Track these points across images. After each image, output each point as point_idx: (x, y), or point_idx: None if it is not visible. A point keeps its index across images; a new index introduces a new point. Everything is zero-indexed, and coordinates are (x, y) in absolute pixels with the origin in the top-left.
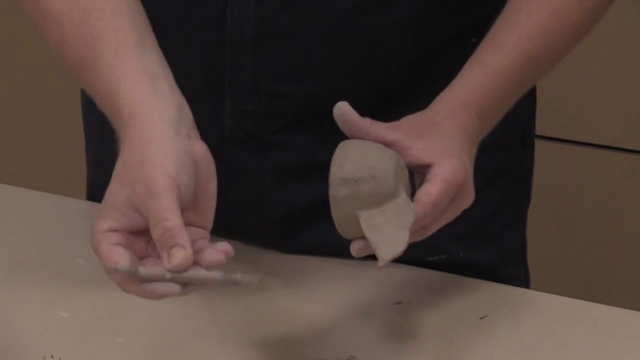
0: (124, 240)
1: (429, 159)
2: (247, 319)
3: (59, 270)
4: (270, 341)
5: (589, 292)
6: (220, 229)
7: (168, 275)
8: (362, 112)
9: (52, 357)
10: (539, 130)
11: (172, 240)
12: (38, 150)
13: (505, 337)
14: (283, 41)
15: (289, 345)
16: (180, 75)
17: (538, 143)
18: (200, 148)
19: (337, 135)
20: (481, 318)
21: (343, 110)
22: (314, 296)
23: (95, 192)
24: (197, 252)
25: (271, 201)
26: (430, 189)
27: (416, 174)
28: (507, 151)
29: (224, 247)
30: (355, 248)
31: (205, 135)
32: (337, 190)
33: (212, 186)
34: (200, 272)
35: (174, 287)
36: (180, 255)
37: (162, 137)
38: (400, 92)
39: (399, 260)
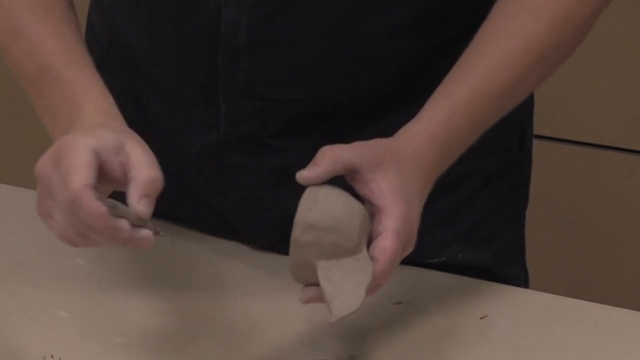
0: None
1: (383, 202)
2: (247, 319)
3: (59, 270)
4: (270, 341)
5: (589, 292)
6: (220, 231)
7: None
8: (360, 113)
9: (52, 357)
10: (537, 130)
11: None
12: (38, 150)
13: (505, 337)
14: (277, 46)
15: (289, 345)
16: (176, 79)
17: (537, 143)
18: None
19: (333, 138)
20: (481, 318)
21: (305, 176)
22: None
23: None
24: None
25: (269, 204)
26: (386, 245)
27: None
28: (504, 153)
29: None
30: (305, 296)
31: (201, 139)
32: (301, 234)
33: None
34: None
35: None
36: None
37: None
38: (398, 93)
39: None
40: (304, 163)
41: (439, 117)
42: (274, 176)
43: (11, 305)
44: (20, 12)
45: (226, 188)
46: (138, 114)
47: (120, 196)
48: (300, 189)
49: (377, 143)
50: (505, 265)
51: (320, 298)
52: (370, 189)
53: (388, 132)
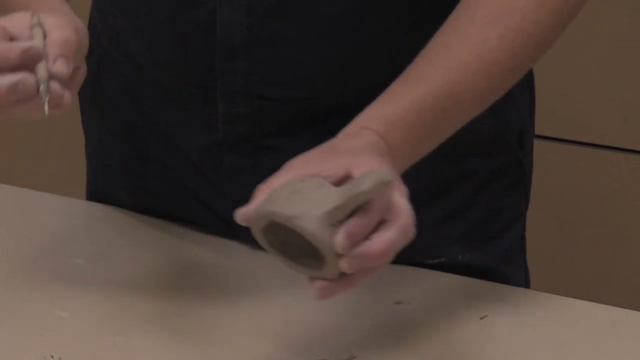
0: None
1: (342, 170)
2: (246, 319)
3: (59, 270)
4: (270, 341)
5: (589, 292)
6: (220, 231)
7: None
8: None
9: (52, 357)
10: (538, 130)
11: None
12: (38, 150)
13: (505, 337)
14: (274, 46)
15: (289, 345)
16: (174, 79)
17: (537, 143)
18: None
19: (329, 137)
20: (481, 318)
21: (240, 214)
22: None
23: (95, 192)
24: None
25: None
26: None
27: None
28: (503, 152)
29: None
30: (316, 287)
31: (200, 139)
32: (289, 209)
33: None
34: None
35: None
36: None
37: None
38: None
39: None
40: None
41: (372, 113)
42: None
43: (11, 305)
44: None
45: (225, 189)
46: (138, 115)
47: None
48: None
49: (306, 152)
50: (506, 265)
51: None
52: (327, 175)
53: None
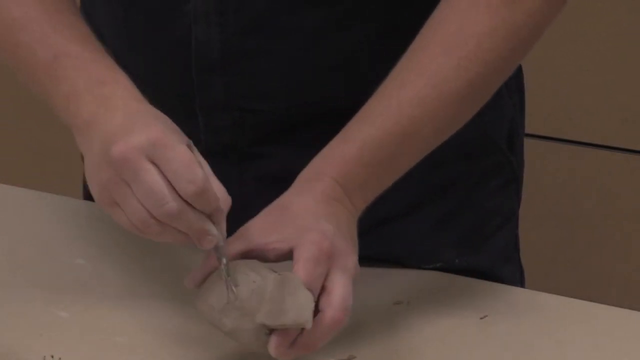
0: None
1: (287, 246)
2: None
3: (59, 270)
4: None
5: (588, 292)
6: None
7: None
8: (342, 118)
9: (52, 357)
10: (536, 130)
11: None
12: (38, 150)
13: (505, 337)
14: (251, 61)
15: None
16: (154, 92)
17: (535, 143)
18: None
19: (314, 144)
20: (481, 318)
21: (189, 286)
22: None
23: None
24: None
25: (253, 212)
26: (299, 274)
27: None
28: (492, 154)
29: None
30: (273, 344)
31: None
32: (223, 325)
33: None
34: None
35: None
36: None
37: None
38: None
39: (397, 263)
40: (286, 170)
41: (329, 154)
42: (257, 184)
43: (11, 305)
44: (26, 4)
45: None
46: None
47: None
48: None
49: (262, 212)
50: (501, 265)
51: (289, 335)
52: (273, 249)
53: None
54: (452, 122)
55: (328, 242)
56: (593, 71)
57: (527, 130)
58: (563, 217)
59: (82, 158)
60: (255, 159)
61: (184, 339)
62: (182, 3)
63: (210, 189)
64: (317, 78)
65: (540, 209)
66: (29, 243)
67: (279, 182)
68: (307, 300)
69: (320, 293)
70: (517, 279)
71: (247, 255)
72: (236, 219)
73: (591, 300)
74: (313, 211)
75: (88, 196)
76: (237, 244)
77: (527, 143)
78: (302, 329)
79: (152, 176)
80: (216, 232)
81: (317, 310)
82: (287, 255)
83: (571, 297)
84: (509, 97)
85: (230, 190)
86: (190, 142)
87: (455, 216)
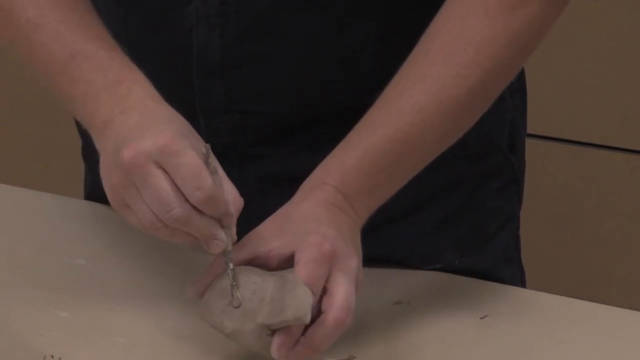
0: None
1: (289, 250)
2: None
3: (59, 270)
4: None
5: (588, 292)
6: None
7: None
8: (343, 119)
9: (52, 357)
10: (536, 130)
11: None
12: (38, 150)
13: (505, 337)
14: (252, 64)
15: None
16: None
17: (535, 143)
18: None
19: (315, 145)
20: (481, 318)
21: (190, 295)
22: None
23: (94, 192)
24: None
25: (255, 212)
26: (299, 275)
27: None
28: (493, 155)
29: None
30: (275, 344)
31: None
32: (224, 327)
33: None
34: None
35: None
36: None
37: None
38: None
39: (398, 264)
40: (287, 171)
41: (330, 164)
42: (258, 184)
43: (11, 305)
44: (40, 3)
45: None
46: None
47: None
48: (285, 196)
49: (266, 221)
50: (502, 265)
51: (292, 335)
52: (275, 255)
53: None
54: (453, 130)
55: (329, 244)
56: (593, 71)
57: (527, 130)
58: (563, 217)
59: (83, 158)
60: (256, 160)
61: (184, 339)
62: (182, 5)
63: (219, 195)
64: (318, 80)
65: (540, 208)
66: (29, 243)
67: (279, 182)
68: (305, 295)
69: (322, 295)
70: (518, 280)
71: (250, 263)
72: (238, 221)
73: (591, 300)
74: (315, 217)
75: (89, 196)
76: (240, 253)
77: (527, 143)
78: (305, 330)
79: (160, 182)
80: (224, 237)
81: (319, 312)
82: (289, 261)
83: (571, 297)
84: (510, 98)
85: None
86: (208, 145)
87: (456, 217)
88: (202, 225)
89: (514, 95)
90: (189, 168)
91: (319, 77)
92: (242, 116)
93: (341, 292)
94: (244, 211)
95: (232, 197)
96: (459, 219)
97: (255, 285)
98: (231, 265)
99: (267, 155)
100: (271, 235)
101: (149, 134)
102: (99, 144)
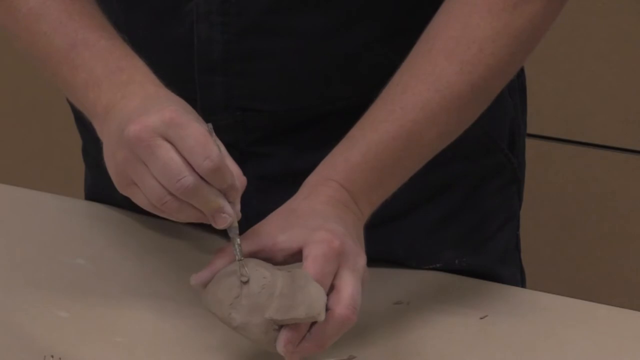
0: None
1: (296, 245)
2: None
3: (59, 270)
4: None
5: (588, 292)
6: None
7: None
8: (343, 118)
9: (52, 357)
10: (536, 130)
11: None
12: (38, 150)
13: (505, 337)
14: (253, 62)
15: None
16: None
17: (536, 143)
18: None
19: (316, 144)
20: (481, 318)
21: (196, 281)
22: None
23: (94, 192)
24: None
25: (255, 211)
26: (308, 270)
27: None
28: (493, 154)
29: None
30: (281, 340)
31: None
32: (232, 320)
33: None
34: None
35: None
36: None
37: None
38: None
39: (397, 263)
40: (287, 169)
41: (334, 160)
42: (258, 184)
43: (11, 305)
44: None
45: None
46: None
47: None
48: (286, 194)
49: (271, 215)
50: (502, 265)
51: (299, 331)
52: (281, 249)
53: None
54: (456, 126)
55: (338, 241)
56: (594, 71)
57: (528, 130)
58: (563, 217)
59: (83, 158)
60: (256, 158)
61: (184, 339)
62: (184, 2)
63: (226, 166)
64: (318, 79)
65: (540, 208)
66: (29, 243)
67: (280, 181)
68: (319, 293)
69: (329, 292)
70: (518, 280)
71: (255, 256)
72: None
73: (591, 300)
74: (321, 213)
75: (89, 196)
76: (245, 245)
77: (527, 143)
78: (311, 327)
79: (168, 152)
80: (231, 210)
81: (326, 309)
82: (295, 256)
83: (571, 297)
84: (510, 97)
85: None
86: (210, 125)
87: (456, 216)
88: (210, 196)
89: (514, 95)
90: (196, 139)
91: (321, 75)
92: (242, 114)
93: (348, 290)
94: (244, 209)
95: (236, 173)
96: (459, 218)
97: (265, 280)
98: (238, 240)
99: (266, 154)
100: (277, 229)
101: (154, 110)
102: (101, 131)
